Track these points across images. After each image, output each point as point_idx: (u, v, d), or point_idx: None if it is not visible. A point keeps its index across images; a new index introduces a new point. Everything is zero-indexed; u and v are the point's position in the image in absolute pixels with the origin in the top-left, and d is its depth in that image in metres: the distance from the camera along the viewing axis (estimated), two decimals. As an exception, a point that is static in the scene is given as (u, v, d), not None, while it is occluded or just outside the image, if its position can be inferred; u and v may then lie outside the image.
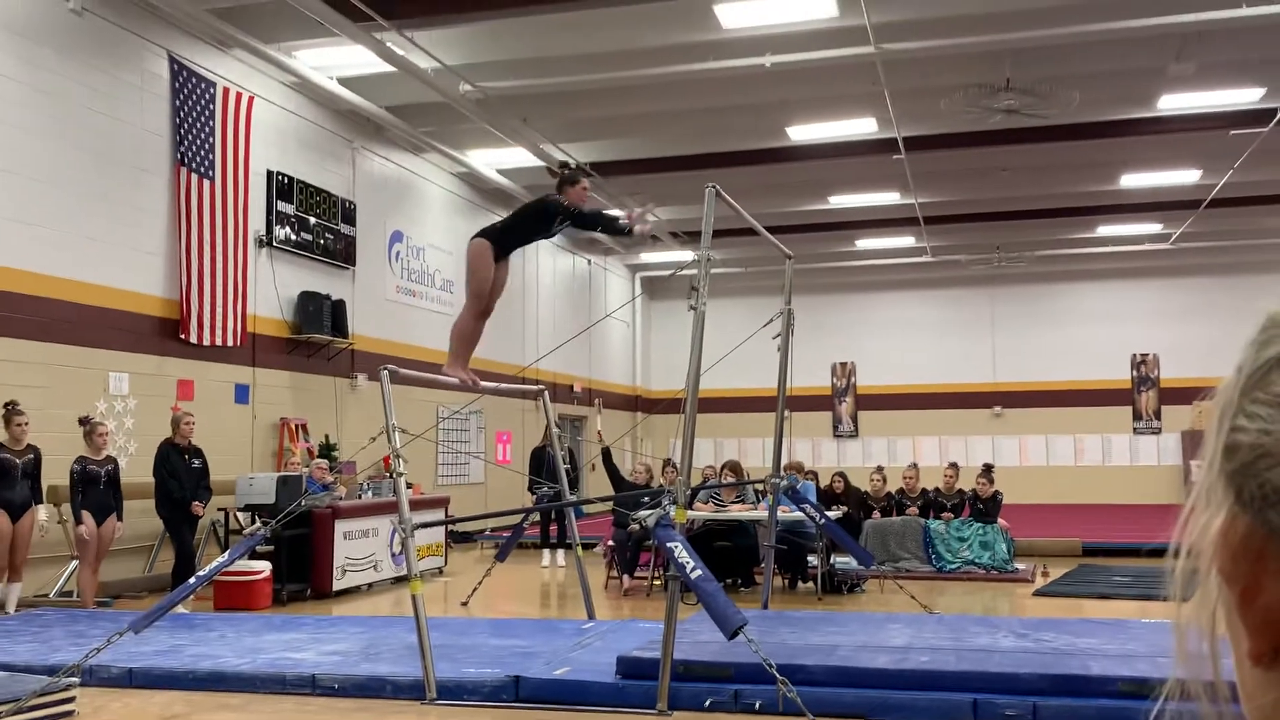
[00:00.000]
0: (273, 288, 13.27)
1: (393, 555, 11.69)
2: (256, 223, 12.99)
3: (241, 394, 12.75)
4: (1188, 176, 17.68)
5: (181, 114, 11.79)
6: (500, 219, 7.74)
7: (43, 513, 9.15)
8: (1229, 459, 0.52)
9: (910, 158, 15.98)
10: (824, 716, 5.07)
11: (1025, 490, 22.45)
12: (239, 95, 12.62)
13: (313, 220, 13.97)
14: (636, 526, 10.68)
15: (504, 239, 7.31)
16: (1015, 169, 17.06)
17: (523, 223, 7.37)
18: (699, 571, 5.63)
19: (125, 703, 6.21)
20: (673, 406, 7.98)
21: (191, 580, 7.11)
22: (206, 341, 12.00)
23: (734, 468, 11.95)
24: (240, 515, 11.36)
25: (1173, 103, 14.19)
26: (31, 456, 8.96)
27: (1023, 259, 23.41)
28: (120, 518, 9.52)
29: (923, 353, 25.59)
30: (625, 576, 11.09)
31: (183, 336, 11.72)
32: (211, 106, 12.22)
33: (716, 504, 11.25)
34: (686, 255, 19.52)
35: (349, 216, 14.78)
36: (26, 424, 8.94)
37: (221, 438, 12.01)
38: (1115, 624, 7.57)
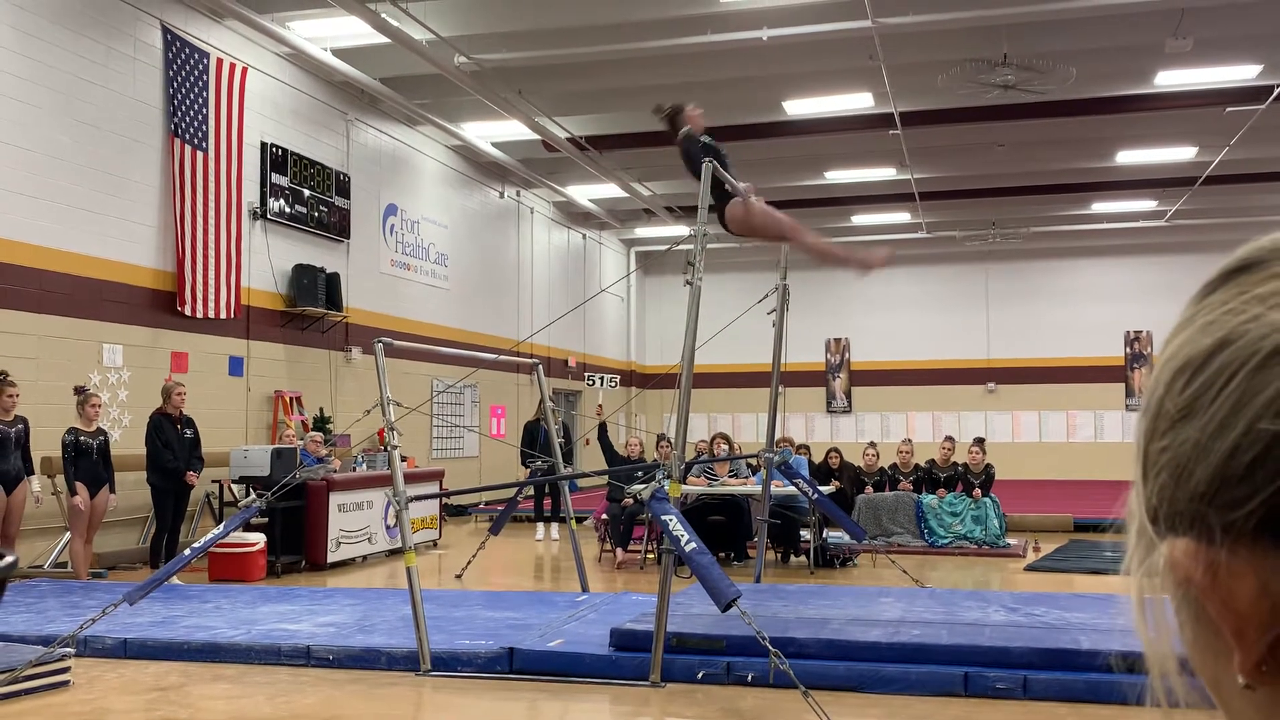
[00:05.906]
0: (267, 260, 13.23)
1: (387, 528, 11.71)
2: (250, 195, 12.94)
3: (236, 366, 12.73)
4: (1183, 153, 17.65)
5: (175, 84, 11.72)
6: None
7: (37, 484, 9.16)
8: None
9: (906, 133, 15.93)
10: (816, 689, 5.10)
11: (1018, 466, 22.54)
12: (232, 66, 12.54)
13: (307, 193, 13.91)
14: (631, 500, 10.74)
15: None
16: (1011, 145, 17.02)
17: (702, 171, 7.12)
18: (693, 545, 5.65)
19: (120, 673, 6.23)
20: (667, 381, 7.96)
21: (186, 552, 7.13)
22: (200, 314, 11.97)
23: (723, 438, 12.04)
24: (235, 487, 11.38)
25: (1169, 79, 14.14)
26: (21, 427, 8.94)
27: (1017, 235, 23.39)
28: (113, 489, 9.54)
29: (917, 329, 25.59)
30: (618, 550, 11.13)
31: (180, 309, 11.69)
32: (205, 77, 12.14)
33: (710, 478, 11.29)
34: (682, 230, 19.46)
35: (343, 189, 14.72)
36: (17, 395, 8.92)
37: (216, 410, 12.01)
38: (1105, 599, 7.61)
